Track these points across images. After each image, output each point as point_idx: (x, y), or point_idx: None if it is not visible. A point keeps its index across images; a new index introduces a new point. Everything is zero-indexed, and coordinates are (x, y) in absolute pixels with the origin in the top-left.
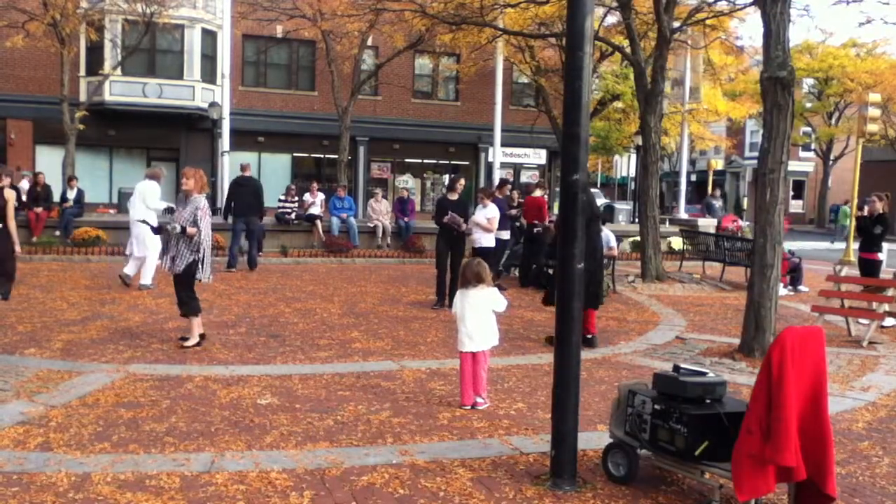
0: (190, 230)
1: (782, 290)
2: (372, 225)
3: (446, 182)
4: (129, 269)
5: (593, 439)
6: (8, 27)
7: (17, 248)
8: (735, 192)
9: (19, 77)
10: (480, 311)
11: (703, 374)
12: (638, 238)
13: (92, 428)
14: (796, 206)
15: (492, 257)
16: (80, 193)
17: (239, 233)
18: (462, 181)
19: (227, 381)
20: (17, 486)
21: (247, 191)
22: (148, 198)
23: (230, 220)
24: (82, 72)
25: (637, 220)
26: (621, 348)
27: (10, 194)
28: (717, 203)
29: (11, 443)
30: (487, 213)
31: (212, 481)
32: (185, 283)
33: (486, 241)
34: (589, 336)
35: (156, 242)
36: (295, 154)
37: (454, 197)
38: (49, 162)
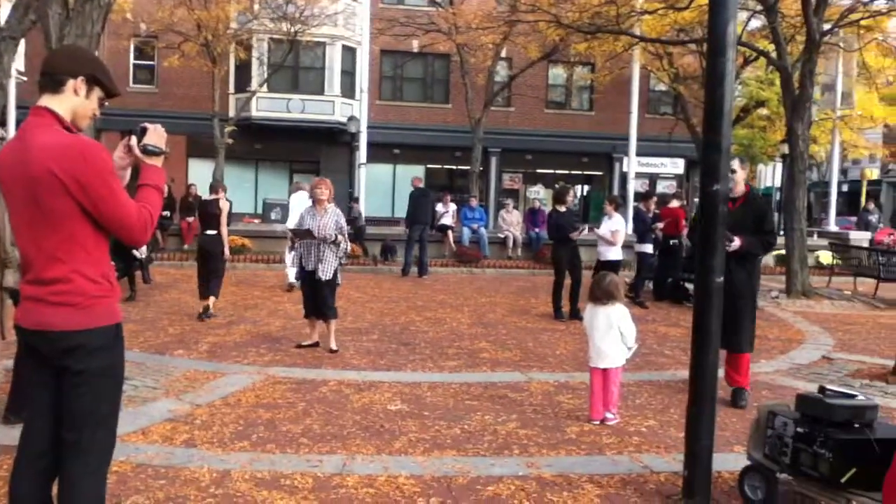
0: (340, 238)
1: None
2: (502, 235)
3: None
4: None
5: (729, 461)
6: (166, 48)
7: (227, 253)
8: (892, 202)
9: (175, 95)
10: (610, 329)
11: (852, 396)
12: (783, 251)
13: (233, 427)
14: None
15: (642, 272)
16: (229, 204)
17: (414, 242)
18: (571, 192)
19: (360, 386)
20: (164, 479)
21: (427, 201)
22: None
23: (408, 229)
24: (231, 89)
25: (783, 232)
26: (762, 367)
27: (224, 205)
28: (873, 217)
29: (160, 438)
30: (612, 226)
31: (343, 483)
32: (331, 289)
33: (613, 254)
34: (737, 388)
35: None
36: (428, 165)
37: (563, 209)
38: (200, 174)
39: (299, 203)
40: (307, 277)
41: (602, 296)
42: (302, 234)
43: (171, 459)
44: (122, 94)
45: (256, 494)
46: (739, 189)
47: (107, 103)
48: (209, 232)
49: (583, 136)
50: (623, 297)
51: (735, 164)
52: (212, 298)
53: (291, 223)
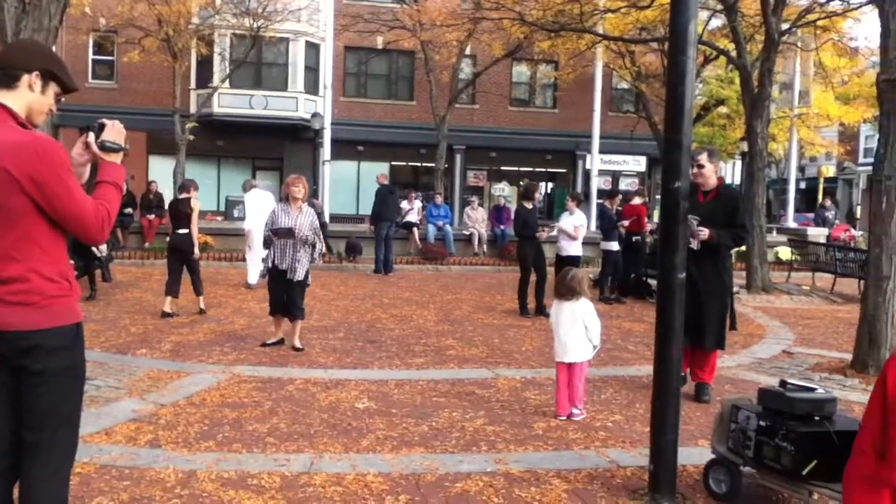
0: (315, 239)
1: None
2: (468, 233)
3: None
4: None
5: (694, 455)
6: (126, 43)
7: (198, 252)
8: (848, 200)
9: (135, 90)
10: (574, 324)
11: (812, 389)
12: (743, 248)
13: (198, 426)
14: None
15: (605, 269)
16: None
17: (382, 239)
18: (539, 189)
19: (327, 384)
20: (129, 480)
21: (393, 199)
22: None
23: (373, 227)
24: (193, 85)
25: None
26: (725, 362)
27: (196, 203)
28: (830, 213)
29: (124, 438)
30: (575, 221)
31: (310, 482)
32: (301, 289)
33: (574, 249)
34: (700, 384)
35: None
36: (393, 163)
37: (530, 205)
38: (161, 171)
39: (256, 201)
40: (278, 276)
41: (566, 292)
42: (284, 234)
43: (136, 460)
44: (80, 89)
45: (223, 494)
46: (711, 182)
47: (63, 99)
48: (181, 231)
49: (547, 133)
50: (587, 291)
51: (703, 157)
52: (201, 297)
53: (251, 222)
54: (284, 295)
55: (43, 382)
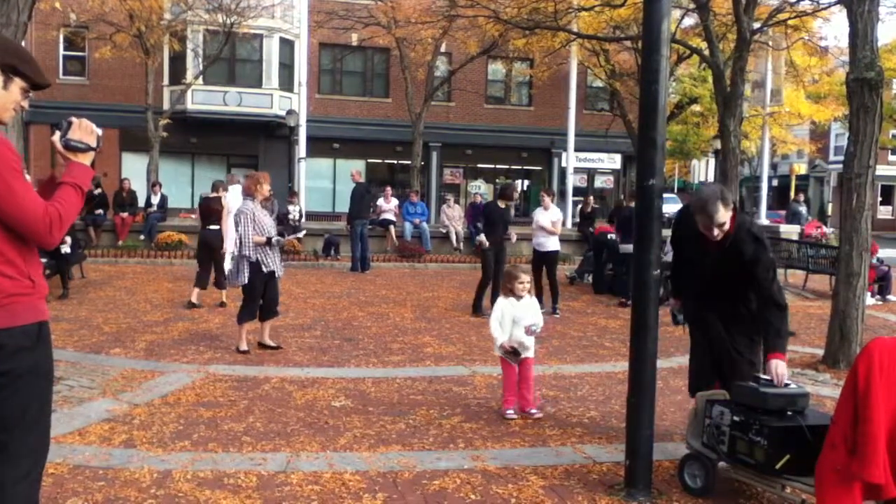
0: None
1: (869, 300)
2: (444, 230)
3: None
4: None
5: (669, 450)
6: (97, 39)
7: (225, 247)
8: (819, 197)
9: (107, 87)
10: (521, 321)
11: (785, 385)
12: None
13: (173, 426)
14: (885, 212)
15: (625, 271)
16: (164, 199)
17: (359, 237)
18: (517, 188)
19: (303, 382)
20: (103, 480)
21: (368, 196)
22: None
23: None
24: (166, 81)
25: None
26: None
27: (226, 202)
28: (802, 208)
29: (98, 439)
30: (552, 216)
31: (287, 481)
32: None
33: (551, 244)
34: None
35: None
36: (369, 160)
37: (503, 205)
38: (134, 168)
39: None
40: (265, 278)
41: (512, 288)
42: (280, 238)
43: (110, 460)
44: (51, 85)
45: (199, 494)
46: (721, 237)
47: (31, 94)
48: (211, 227)
49: (522, 131)
50: (515, 290)
51: (720, 213)
52: (224, 291)
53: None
54: (272, 295)
55: (8, 384)
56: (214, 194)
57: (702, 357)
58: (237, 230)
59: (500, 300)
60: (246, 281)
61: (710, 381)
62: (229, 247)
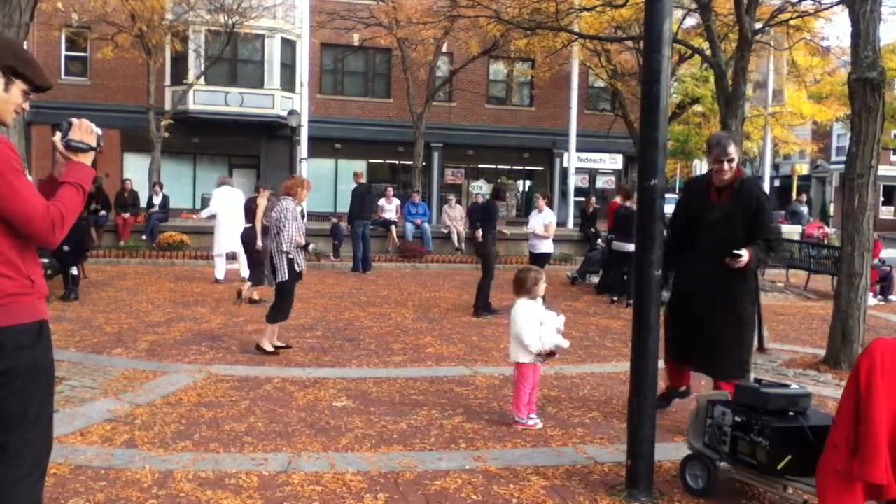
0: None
1: (871, 300)
2: (445, 230)
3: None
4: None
5: (671, 450)
6: (99, 40)
7: (259, 243)
8: (821, 197)
9: (108, 87)
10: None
11: (786, 385)
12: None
13: (175, 426)
14: (887, 212)
15: (626, 272)
16: (166, 199)
17: (360, 237)
18: (508, 189)
19: (304, 383)
20: (105, 480)
21: (369, 196)
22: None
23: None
24: (167, 81)
25: None
26: None
27: (261, 202)
28: (803, 209)
29: (99, 439)
30: (545, 219)
31: (289, 481)
32: None
33: (545, 247)
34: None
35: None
36: (371, 160)
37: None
38: (136, 169)
39: (225, 197)
40: (297, 278)
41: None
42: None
43: (112, 460)
44: (52, 87)
45: (200, 494)
46: (729, 175)
47: (32, 96)
48: (247, 226)
49: (524, 131)
50: (534, 291)
51: (732, 148)
52: (255, 290)
53: (222, 217)
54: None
55: (7, 383)
56: (254, 195)
57: (679, 326)
58: (283, 228)
59: (525, 303)
60: (286, 277)
61: (683, 352)
62: (258, 243)
